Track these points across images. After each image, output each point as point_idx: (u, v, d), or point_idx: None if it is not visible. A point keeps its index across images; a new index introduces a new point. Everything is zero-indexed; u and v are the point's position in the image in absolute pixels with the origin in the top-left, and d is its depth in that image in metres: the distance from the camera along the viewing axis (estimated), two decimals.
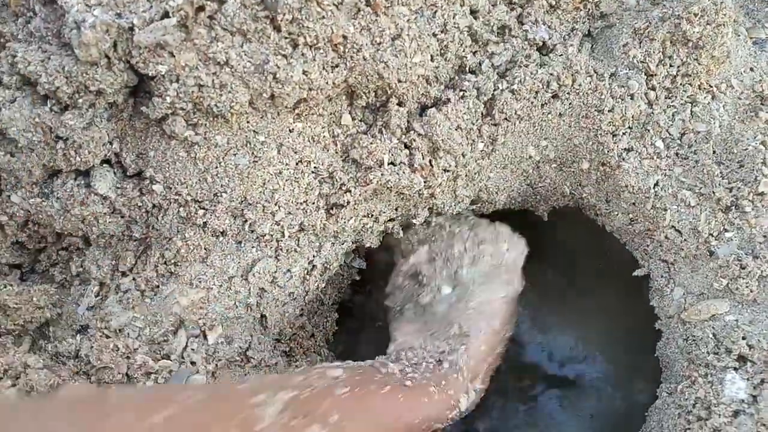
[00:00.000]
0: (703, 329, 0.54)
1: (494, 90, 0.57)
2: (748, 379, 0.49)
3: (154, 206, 0.57)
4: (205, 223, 0.56)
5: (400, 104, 0.57)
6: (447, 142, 0.56)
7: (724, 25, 0.57)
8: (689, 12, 0.57)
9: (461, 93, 0.56)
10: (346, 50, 0.51)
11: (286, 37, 0.49)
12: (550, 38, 0.59)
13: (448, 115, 0.56)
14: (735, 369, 0.50)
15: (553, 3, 0.60)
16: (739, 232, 0.55)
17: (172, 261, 0.56)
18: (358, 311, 0.82)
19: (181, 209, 0.56)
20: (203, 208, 0.56)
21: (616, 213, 0.62)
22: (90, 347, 0.54)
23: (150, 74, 0.50)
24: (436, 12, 0.53)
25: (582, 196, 0.64)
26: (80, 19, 0.48)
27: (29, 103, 0.51)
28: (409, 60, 0.52)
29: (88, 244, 0.60)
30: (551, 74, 0.58)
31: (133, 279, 0.57)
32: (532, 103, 0.58)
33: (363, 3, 0.50)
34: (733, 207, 0.55)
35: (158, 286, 0.56)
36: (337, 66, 0.51)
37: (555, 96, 0.58)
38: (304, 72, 0.51)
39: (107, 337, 0.54)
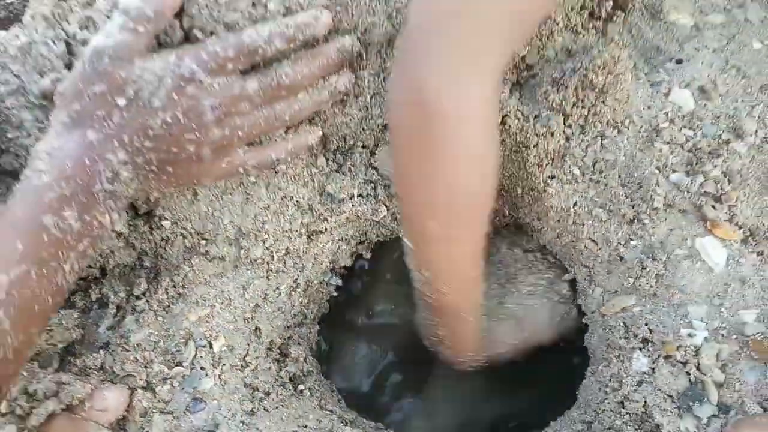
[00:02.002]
0: (616, 320, 0.67)
1: None
2: (648, 356, 0.62)
3: (162, 239, 0.68)
4: (207, 251, 0.67)
5: (364, 147, 0.70)
6: None
7: (622, 74, 0.71)
8: (594, 64, 0.70)
9: None
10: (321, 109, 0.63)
11: None
12: None
13: None
14: (639, 349, 0.63)
15: None
16: (641, 240, 0.68)
17: (181, 284, 0.67)
18: None
19: (186, 241, 0.67)
20: (205, 239, 0.67)
21: (546, 229, 0.75)
22: (113, 360, 0.64)
23: None
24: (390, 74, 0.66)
25: (518, 216, 0.77)
26: None
27: None
28: (370, 113, 0.65)
29: (104, 274, 0.71)
30: None
31: (147, 301, 0.67)
32: None
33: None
34: (635, 220, 0.69)
35: (169, 306, 0.66)
36: (312, 120, 0.63)
37: None
38: None
39: (127, 350, 0.65)
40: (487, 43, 0.52)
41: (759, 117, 0.74)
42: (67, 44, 0.57)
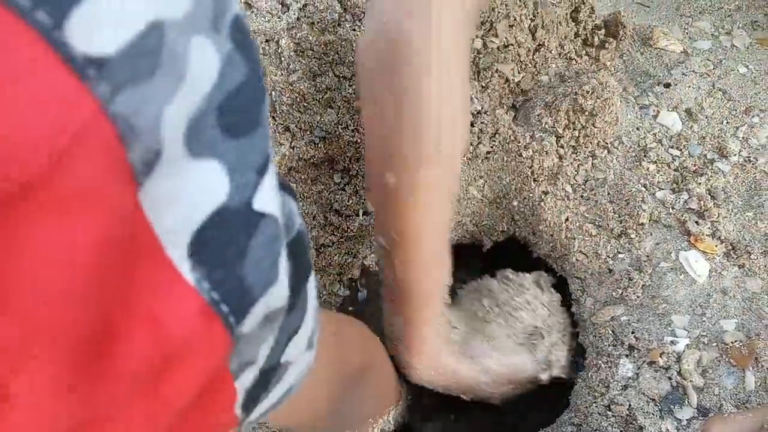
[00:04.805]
0: (605, 328, 0.71)
1: None
2: (633, 362, 0.66)
3: None
4: None
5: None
6: None
7: (609, 98, 0.76)
8: (583, 89, 0.75)
9: None
10: (326, 131, 0.69)
11: (281, 124, 0.67)
12: (482, 110, 0.78)
13: None
14: (626, 356, 0.67)
15: (484, 84, 0.78)
16: (629, 254, 0.73)
17: None
18: None
19: None
20: None
21: (540, 243, 0.79)
22: None
23: None
24: None
25: (515, 230, 0.82)
26: None
27: None
28: None
29: None
30: (482, 132, 0.76)
31: None
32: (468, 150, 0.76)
33: (339, 98, 0.68)
34: (623, 235, 0.73)
35: None
36: (318, 144, 0.69)
37: (489, 152, 0.76)
38: (291, 147, 0.69)
39: None
40: None
41: (743, 137, 0.78)
42: None
